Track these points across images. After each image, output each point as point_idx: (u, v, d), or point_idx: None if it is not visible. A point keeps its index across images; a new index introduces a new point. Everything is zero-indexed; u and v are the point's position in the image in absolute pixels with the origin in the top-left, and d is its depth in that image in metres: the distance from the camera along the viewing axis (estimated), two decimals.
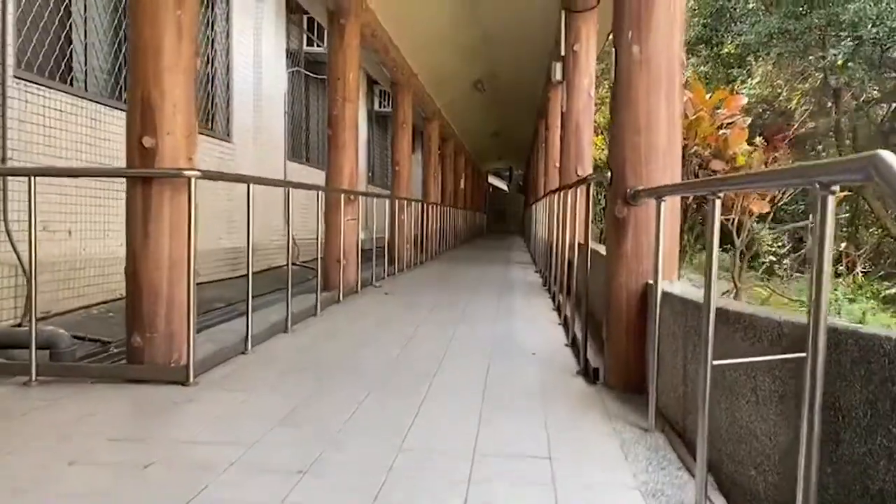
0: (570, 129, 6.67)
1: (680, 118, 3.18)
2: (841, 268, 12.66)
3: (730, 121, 6.73)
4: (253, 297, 4.20)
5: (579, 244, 4.67)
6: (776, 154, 7.59)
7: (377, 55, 8.82)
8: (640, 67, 3.06)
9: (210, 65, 7.68)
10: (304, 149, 10.99)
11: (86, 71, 5.56)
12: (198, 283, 3.47)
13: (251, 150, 8.51)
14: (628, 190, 3.08)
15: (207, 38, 7.62)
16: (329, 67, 6.99)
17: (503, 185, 43.96)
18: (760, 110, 13.37)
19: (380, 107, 16.02)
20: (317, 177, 9.48)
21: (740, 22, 12.44)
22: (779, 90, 13.59)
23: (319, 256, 6.16)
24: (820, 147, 15.22)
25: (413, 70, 10.87)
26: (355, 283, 6.97)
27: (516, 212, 35.63)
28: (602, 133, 10.45)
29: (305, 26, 10.73)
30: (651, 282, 2.80)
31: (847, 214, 14.86)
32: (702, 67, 13.70)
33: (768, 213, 7.31)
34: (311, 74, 10.84)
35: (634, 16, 3.05)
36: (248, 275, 4.22)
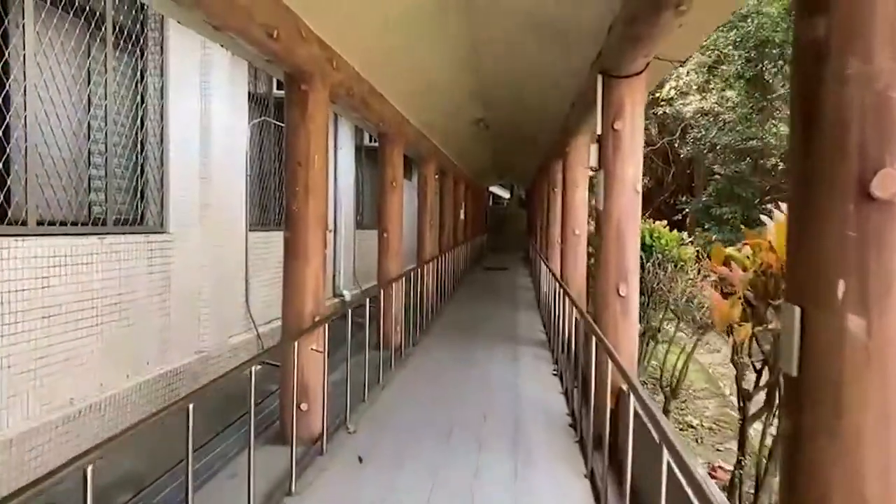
0: (608, 234, 4.93)
1: None
2: None
3: None
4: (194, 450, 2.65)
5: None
6: None
7: (355, 113, 7.07)
8: None
9: (136, 138, 5.94)
10: (275, 210, 9.24)
11: None
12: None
13: (196, 233, 6.77)
14: None
15: (129, 99, 5.89)
16: (287, 147, 5.26)
17: (504, 193, 42.32)
18: None
19: (370, 141, 14.31)
20: None
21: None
22: None
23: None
24: None
25: (404, 116, 9.13)
26: (319, 435, 5.22)
27: (518, 229, 34.06)
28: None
29: None
30: None
31: None
32: (739, 109, 12.07)
33: None
34: (282, 125, 9.08)
35: None
36: None
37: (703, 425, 7.45)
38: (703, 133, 17.30)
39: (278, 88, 8.91)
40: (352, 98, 6.38)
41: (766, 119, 13.56)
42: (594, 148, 5.08)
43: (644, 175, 24.16)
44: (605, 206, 4.98)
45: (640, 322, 8.15)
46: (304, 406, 5.06)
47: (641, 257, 7.39)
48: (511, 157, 15.99)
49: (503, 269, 21.44)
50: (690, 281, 7.13)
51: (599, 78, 5.05)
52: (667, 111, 19.76)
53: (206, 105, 6.80)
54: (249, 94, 8.20)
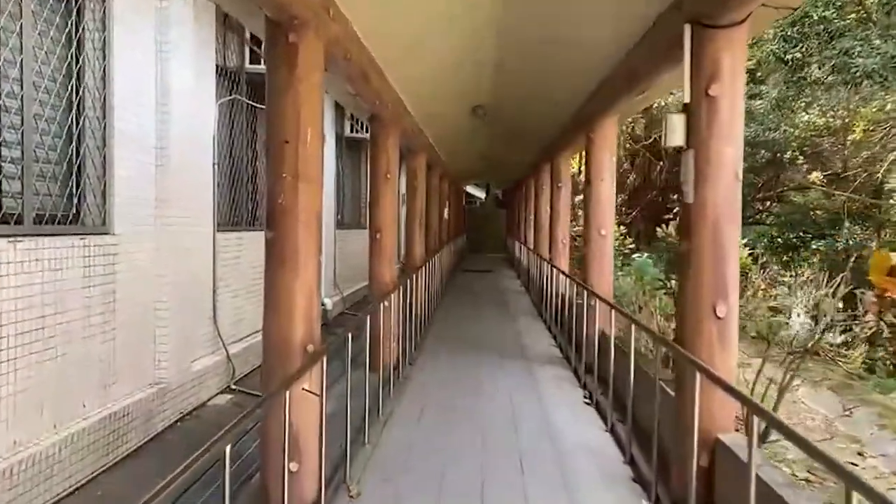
0: (701, 237, 3.71)
1: None
2: None
3: None
4: None
5: None
6: None
7: (352, 85, 5.75)
8: None
9: (68, 108, 4.54)
10: (249, 208, 7.87)
11: None
12: None
13: (150, 235, 5.39)
14: None
15: (56, 56, 4.49)
16: (270, 120, 3.94)
17: (479, 193, 41.56)
18: None
19: (351, 131, 12.96)
20: None
21: (839, 38, 9.65)
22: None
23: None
24: None
25: (402, 101, 7.84)
26: (314, 502, 3.91)
27: (496, 228, 33.12)
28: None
29: (248, 36, 7.62)
30: None
31: None
32: (773, 92, 10.97)
33: None
34: (257, 105, 7.71)
35: None
36: None
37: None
38: None
39: (252, 62, 7.55)
40: (349, 64, 5.07)
41: (799, 107, 12.59)
42: (678, 120, 3.84)
43: (631, 172, 22.97)
44: (695, 198, 3.76)
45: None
46: (294, 466, 3.75)
47: None
48: (504, 151, 14.74)
49: (487, 272, 20.21)
50: (762, 291, 5.92)
51: (687, 29, 3.83)
52: (658, 103, 18.69)
53: (163, 71, 5.41)
54: (218, 67, 6.84)
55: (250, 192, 7.91)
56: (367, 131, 12.95)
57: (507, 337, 9.49)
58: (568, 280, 8.52)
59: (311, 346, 3.90)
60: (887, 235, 14.42)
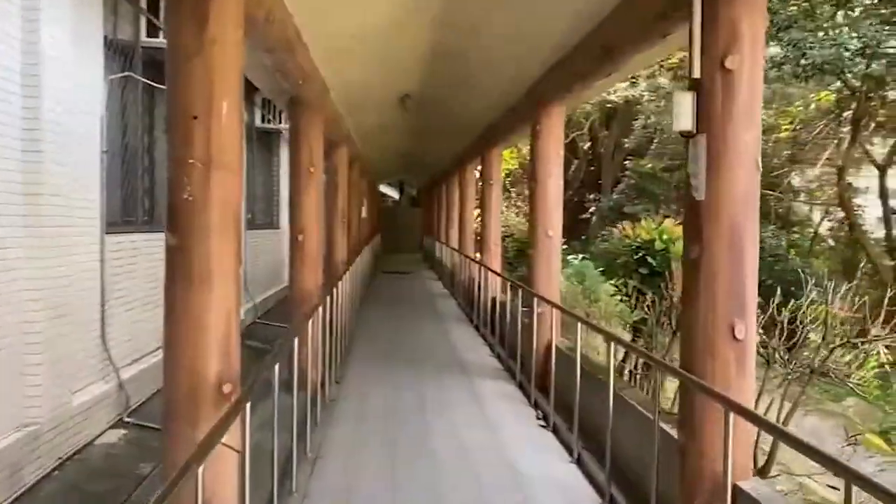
0: (714, 240, 3.05)
1: None
2: None
3: None
4: None
5: None
6: None
7: (272, 57, 4.81)
8: None
9: None
10: (144, 203, 6.76)
11: None
12: None
13: (18, 237, 4.29)
14: None
15: None
16: (171, 89, 3.01)
17: (393, 193, 40.89)
18: None
19: (263, 121, 11.83)
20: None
21: (786, 30, 9.34)
22: None
23: None
24: None
25: (327, 85, 6.93)
26: None
27: (412, 228, 32.37)
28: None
29: (145, 4, 6.51)
30: None
31: None
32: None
33: None
34: (155, 85, 6.61)
35: None
36: None
37: None
38: (652, 120, 16.01)
39: (150, 35, 6.45)
40: (272, 29, 4.16)
41: None
42: (686, 99, 3.17)
43: None
44: (708, 194, 3.10)
45: (650, 345, 6.41)
46: None
47: (653, 266, 5.65)
48: (428, 146, 13.99)
49: (406, 273, 19.39)
50: None
51: None
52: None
53: (31, 33, 4.32)
54: (107, 39, 5.74)
55: (148, 188, 6.80)
56: (280, 121, 11.87)
57: (439, 346, 8.73)
58: (509, 285, 7.84)
59: (228, 386, 3.00)
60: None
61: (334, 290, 6.93)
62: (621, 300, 7.05)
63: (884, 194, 13.27)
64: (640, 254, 5.59)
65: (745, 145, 3.06)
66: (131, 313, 6.23)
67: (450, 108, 9.76)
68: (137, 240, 6.33)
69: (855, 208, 13.92)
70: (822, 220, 16.48)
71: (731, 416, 2.68)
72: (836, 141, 13.47)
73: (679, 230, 5.94)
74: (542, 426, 5.51)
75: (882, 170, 13.27)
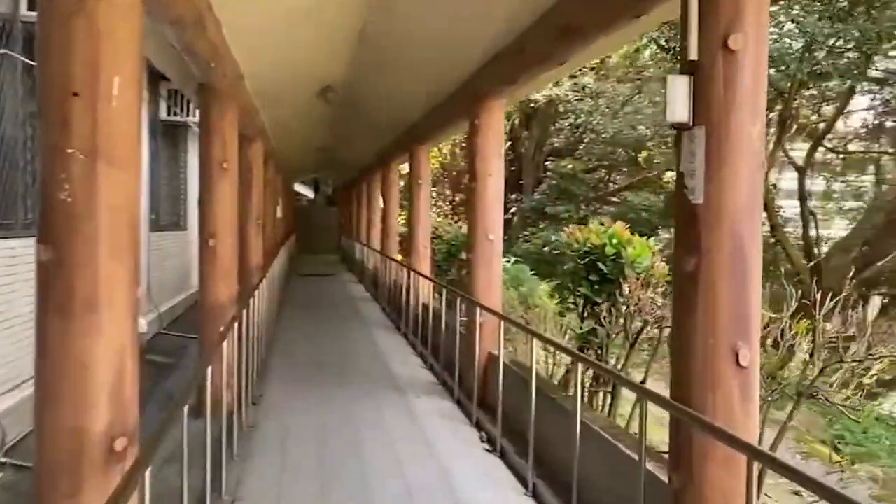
0: (715, 248, 2.61)
1: None
2: None
3: None
4: None
5: None
6: None
7: (181, 33, 4.07)
8: None
9: None
10: (27, 203, 5.82)
11: None
12: None
13: None
14: None
15: None
16: (42, 60, 2.31)
17: (307, 192, 39.80)
18: None
19: (169, 114, 10.83)
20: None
21: None
22: None
23: None
24: None
25: (241, 71, 6.19)
26: None
27: (328, 228, 31.41)
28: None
29: None
30: None
31: None
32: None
33: None
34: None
35: None
36: None
37: None
38: (582, 119, 15.78)
39: (30, 7, 5.53)
40: None
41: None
42: (680, 85, 2.71)
43: (466, 172, 22.45)
44: (706, 195, 2.65)
45: (602, 358, 5.94)
46: None
47: (605, 274, 5.24)
48: (350, 142, 13.28)
49: (325, 276, 18.57)
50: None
51: None
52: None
53: None
54: None
55: (31, 184, 5.87)
56: (188, 113, 10.89)
57: (367, 358, 8.10)
58: (444, 291, 7.31)
59: (122, 441, 2.33)
60: None
61: (251, 301, 6.21)
62: (567, 309, 6.66)
63: (802, 196, 13.59)
64: (588, 259, 5.17)
65: (750, 139, 2.63)
66: (11, 332, 5.34)
67: (376, 102, 9.15)
68: (17, 246, 5.43)
69: (776, 209, 14.19)
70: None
71: (755, 464, 2.23)
72: None
73: (627, 234, 5.56)
74: (489, 450, 5.00)
75: (801, 171, 13.59)
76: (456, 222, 16.94)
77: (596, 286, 5.26)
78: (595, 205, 21.35)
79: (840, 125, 17.79)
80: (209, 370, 3.60)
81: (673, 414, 2.77)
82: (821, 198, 20.29)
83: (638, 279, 5.04)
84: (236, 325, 4.98)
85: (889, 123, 17.77)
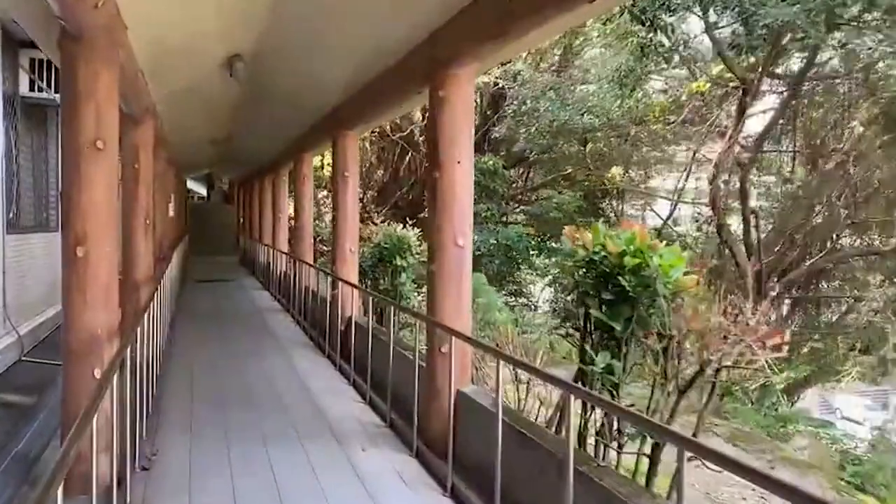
0: None
1: None
2: None
3: None
4: None
5: None
6: None
7: None
8: None
9: None
10: None
11: None
12: None
13: None
14: None
15: None
16: None
17: (201, 190, 37.29)
18: None
19: (33, 89, 8.78)
20: None
21: None
22: None
23: None
24: None
25: (122, 16, 4.51)
26: None
27: (225, 227, 29.12)
28: None
29: None
30: None
31: None
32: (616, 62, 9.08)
33: None
34: None
35: None
36: None
37: None
38: (528, 106, 14.56)
39: None
40: None
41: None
42: None
43: (379, 167, 20.90)
44: None
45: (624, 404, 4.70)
46: None
47: (624, 289, 3.97)
48: (254, 128, 11.53)
49: (226, 282, 16.59)
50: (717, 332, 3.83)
51: None
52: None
53: None
54: None
55: None
56: (58, 90, 8.88)
57: (289, 391, 6.52)
58: (394, 310, 5.87)
59: None
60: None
61: (138, 331, 4.57)
62: (567, 335, 5.37)
63: (744, 194, 13.05)
64: (600, 269, 3.89)
65: None
66: None
67: (293, 78, 7.58)
68: None
69: (723, 208, 13.60)
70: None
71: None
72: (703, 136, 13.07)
73: (668, 248, 4.26)
74: None
75: (744, 168, 13.06)
76: (370, 222, 15.50)
77: (608, 306, 3.99)
78: (512, 204, 20.50)
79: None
80: (74, 448, 2.06)
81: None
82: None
83: (673, 299, 3.82)
84: (117, 370, 3.40)
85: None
